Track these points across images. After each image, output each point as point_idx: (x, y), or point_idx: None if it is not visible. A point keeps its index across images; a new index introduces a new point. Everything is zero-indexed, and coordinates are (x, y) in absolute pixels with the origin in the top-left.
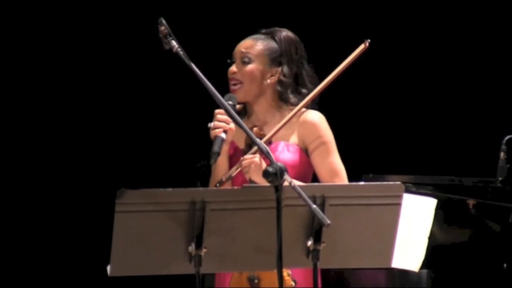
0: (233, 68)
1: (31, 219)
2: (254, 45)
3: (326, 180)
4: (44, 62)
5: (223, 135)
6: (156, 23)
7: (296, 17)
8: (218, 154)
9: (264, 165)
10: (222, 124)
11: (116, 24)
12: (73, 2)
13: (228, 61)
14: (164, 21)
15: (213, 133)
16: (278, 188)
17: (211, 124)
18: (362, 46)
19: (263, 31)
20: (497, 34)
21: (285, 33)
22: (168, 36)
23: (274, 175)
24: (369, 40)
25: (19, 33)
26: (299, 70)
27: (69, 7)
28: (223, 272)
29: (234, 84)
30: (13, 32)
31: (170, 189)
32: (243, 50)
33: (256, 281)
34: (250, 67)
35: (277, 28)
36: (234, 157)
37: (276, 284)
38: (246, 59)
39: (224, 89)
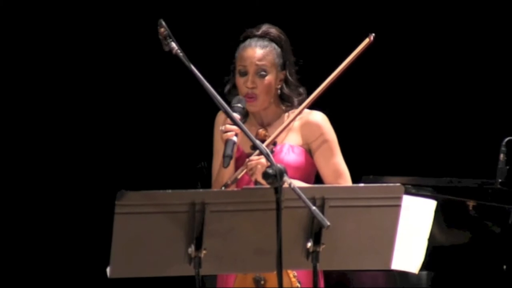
0: (250, 83)
1: (32, 220)
2: (266, 56)
3: (330, 180)
4: (44, 63)
5: (234, 138)
6: (155, 25)
7: (297, 15)
8: (231, 157)
9: None
10: (233, 127)
11: (116, 26)
12: (73, 2)
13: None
14: (163, 23)
15: (224, 136)
16: (278, 190)
17: (222, 128)
18: (366, 40)
19: (256, 33)
20: (497, 35)
21: (273, 30)
22: (167, 37)
23: (274, 176)
24: (373, 34)
25: (19, 33)
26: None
27: (69, 7)
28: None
29: (251, 97)
30: (13, 32)
31: (170, 191)
32: (258, 63)
33: (262, 281)
34: (268, 79)
35: (266, 29)
36: (239, 160)
37: (283, 285)
38: (263, 72)
39: (223, 91)
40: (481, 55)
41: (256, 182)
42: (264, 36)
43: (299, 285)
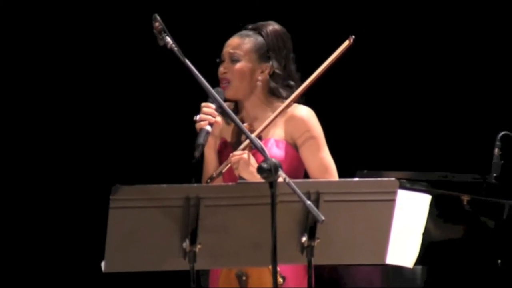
0: (222, 68)
1: (26, 215)
2: (242, 44)
3: (316, 175)
4: (39, 61)
5: (208, 127)
6: (150, 19)
7: (285, 14)
8: (203, 146)
9: (253, 161)
10: (207, 117)
11: (110, 21)
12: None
13: (218, 60)
14: (158, 17)
15: (198, 125)
16: (272, 184)
17: (197, 117)
18: (346, 43)
19: (250, 26)
20: (491, 30)
21: (271, 27)
22: (162, 32)
23: (269, 171)
24: (353, 36)
25: (17, 32)
26: (287, 63)
27: (64, 5)
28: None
29: (224, 83)
30: (12, 32)
31: (164, 185)
32: (231, 50)
33: (244, 277)
34: (239, 65)
35: (263, 23)
36: (225, 152)
37: (264, 281)
38: (235, 59)
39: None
40: (475, 51)
41: (241, 177)
42: (254, 29)
43: (281, 281)
